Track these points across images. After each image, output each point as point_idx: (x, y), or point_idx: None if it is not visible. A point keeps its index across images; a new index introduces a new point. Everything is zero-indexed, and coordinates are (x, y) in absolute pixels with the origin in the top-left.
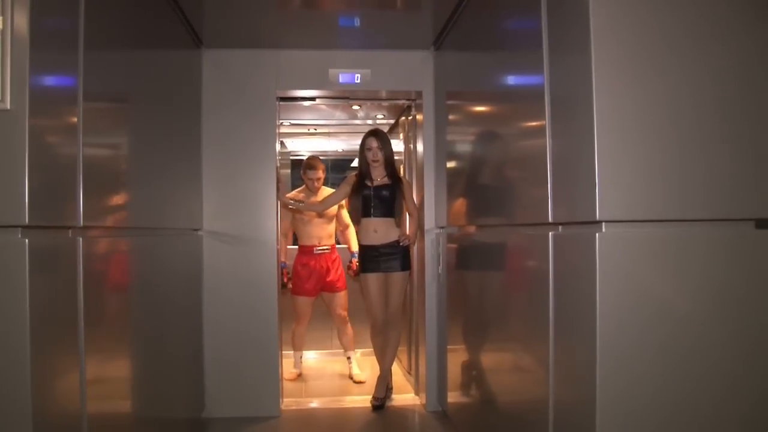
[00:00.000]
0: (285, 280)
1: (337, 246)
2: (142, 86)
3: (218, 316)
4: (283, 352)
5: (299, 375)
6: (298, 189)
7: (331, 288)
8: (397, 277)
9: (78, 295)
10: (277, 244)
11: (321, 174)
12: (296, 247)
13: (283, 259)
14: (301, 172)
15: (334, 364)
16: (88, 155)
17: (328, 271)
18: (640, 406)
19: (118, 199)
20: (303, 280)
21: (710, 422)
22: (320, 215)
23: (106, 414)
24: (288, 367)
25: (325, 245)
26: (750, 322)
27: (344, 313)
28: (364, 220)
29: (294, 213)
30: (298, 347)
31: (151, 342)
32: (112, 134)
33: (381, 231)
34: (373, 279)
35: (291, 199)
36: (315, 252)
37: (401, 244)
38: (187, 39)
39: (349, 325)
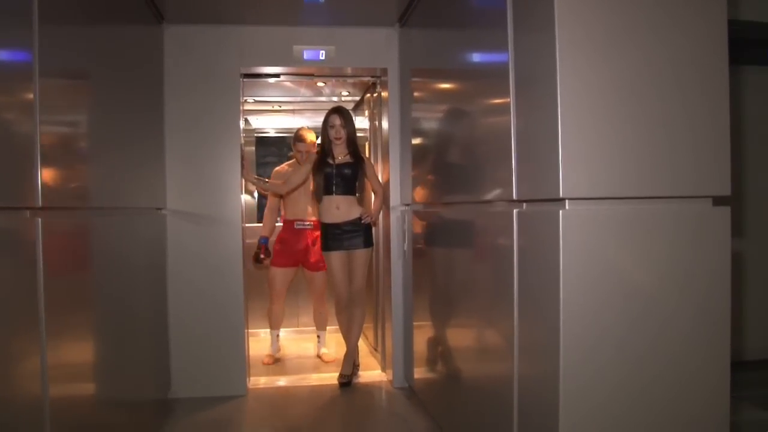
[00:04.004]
0: (262, 255)
1: None
2: (102, 62)
3: (183, 296)
4: (260, 331)
5: (277, 360)
6: (288, 162)
7: (315, 267)
8: (360, 254)
9: (38, 278)
10: (242, 222)
11: (311, 147)
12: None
13: (266, 234)
14: (292, 143)
15: (300, 342)
16: (46, 133)
17: (307, 248)
18: (602, 379)
19: (78, 179)
20: (279, 254)
21: (672, 394)
22: (306, 191)
23: (69, 397)
24: (265, 350)
25: (306, 221)
26: (707, 296)
27: (325, 294)
28: (326, 198)
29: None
30: (274, 325)
31: (115, 323)
32: (71, 112)
33: (343, 208)
34: (336, 257)
35: (255, 178)
36: (295, 227)
37: (363, 221)
38: (148, 14)
39: (326, 305)
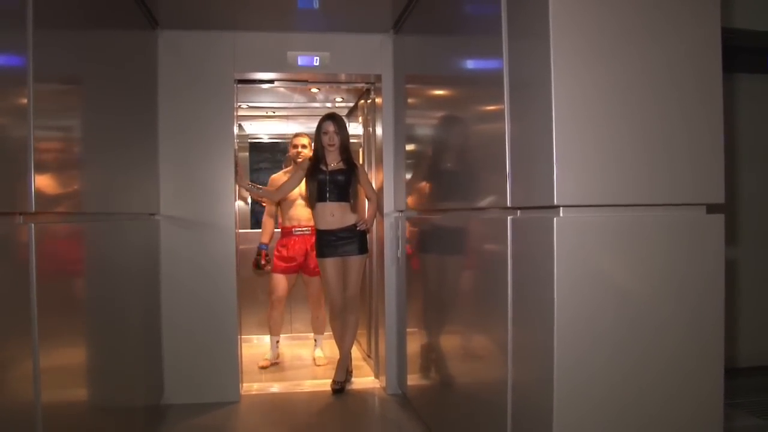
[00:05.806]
0: (263, 261)
1: None
2: (96, 67)
3: (176, 301)
4: (253, 337)
5: (275, 363)
6: (285, 169)
7: (313, 272)
8: (355, 260)
9: (30, 283)
10: (236, 228)
11: (307, 145)
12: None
13: (266, 241)
14: (289, 144)
15: (295, 348)
16: (40, 138)
17: (306, 253)
18: (597, 386)
19: (71, 184)
20: (280, 260)
21: (666, 400)
22: (302, 197)
23: (61, 403)
24: (258, 355)
25: (304, 227)
26: (701, 303)
27: (321, 298)
28: (320, 205)
29: None
30: (274, 331)
31: (108, 328)
32: (65, 117)
33: (337, 215)
34: (331, 263)
35: (249, 184)
36: (294, 233)
37: (358, 228)
38: (142, 19)
39: (323, 310)
